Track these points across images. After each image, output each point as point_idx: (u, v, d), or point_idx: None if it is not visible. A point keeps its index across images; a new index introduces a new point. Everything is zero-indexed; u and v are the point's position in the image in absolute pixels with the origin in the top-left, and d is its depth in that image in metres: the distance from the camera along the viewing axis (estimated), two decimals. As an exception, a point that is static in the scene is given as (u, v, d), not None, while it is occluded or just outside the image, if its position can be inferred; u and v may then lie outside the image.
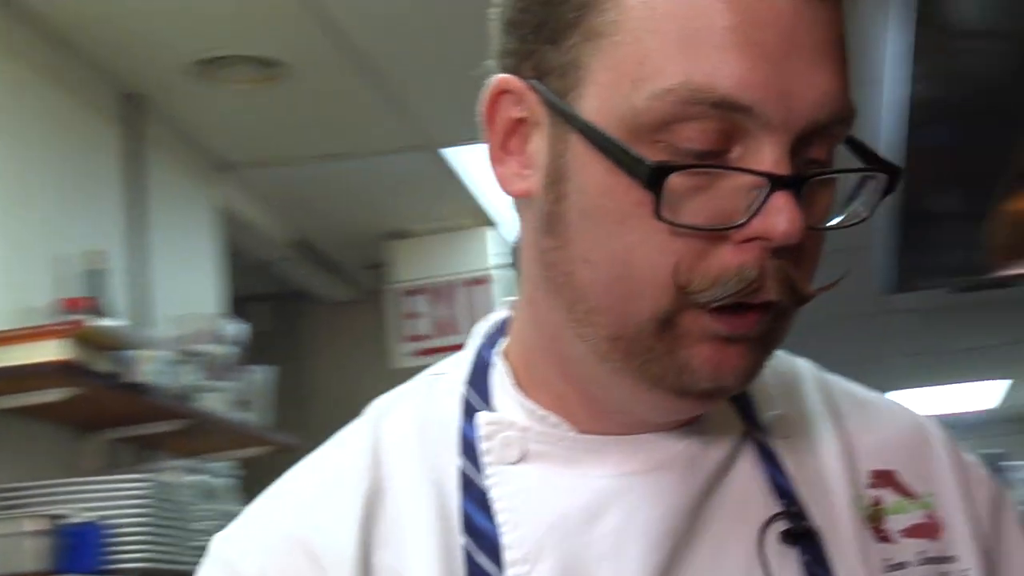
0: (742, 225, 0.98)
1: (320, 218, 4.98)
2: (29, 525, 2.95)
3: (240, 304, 4.31)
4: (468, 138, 4.22)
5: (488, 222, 4.98)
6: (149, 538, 3.23)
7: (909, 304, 6.59)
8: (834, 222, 1.07)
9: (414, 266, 5.11)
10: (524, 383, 1.15)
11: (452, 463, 1.13)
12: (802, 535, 1.14)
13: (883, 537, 1.17)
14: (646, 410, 1.10)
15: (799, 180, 0.99)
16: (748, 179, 0.98)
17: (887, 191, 1.05)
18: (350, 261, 5.36)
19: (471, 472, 1.12)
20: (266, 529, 1.15)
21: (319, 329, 5.60)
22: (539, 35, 1.07)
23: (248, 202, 4.70)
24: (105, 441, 3.58)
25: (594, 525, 1.10)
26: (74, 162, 3.63)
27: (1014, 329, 7.42)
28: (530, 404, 1.14)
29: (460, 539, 1.08)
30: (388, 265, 5.17)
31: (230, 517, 2.65)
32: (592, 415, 1.12)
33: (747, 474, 1.17)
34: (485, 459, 1.13)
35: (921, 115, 2.46)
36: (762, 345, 1.05)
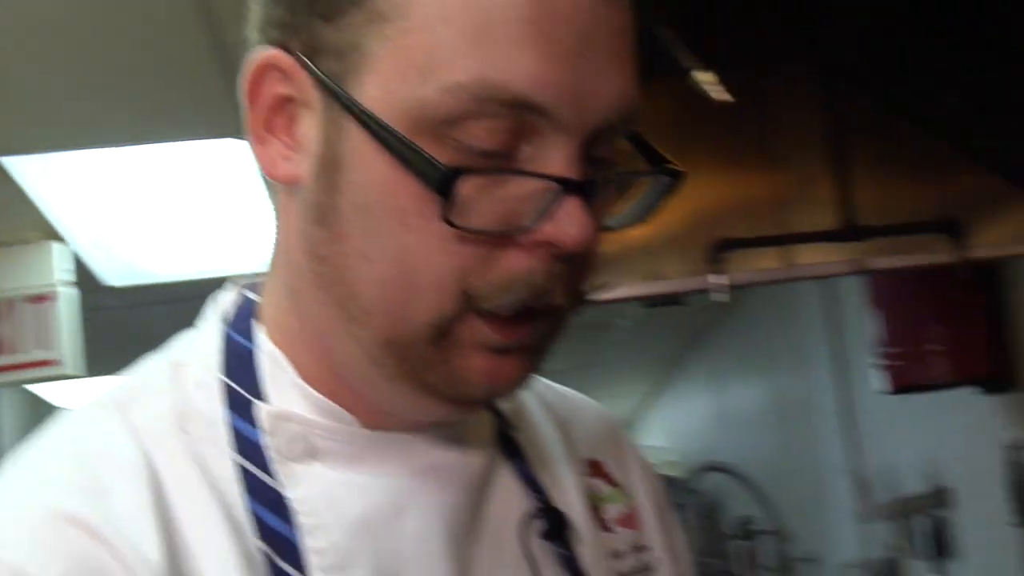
0: (531, 229, 0.94)
1: None
2: None
3: None
4: (31, 147, 4.10)
5: (54, 236, 4.82)
6: None
7: None
8: (617, 222, 1.03)
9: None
10: (302, 374, 1.06)
11: (226, 462, 1.02)
12: (556, 530, 1.13)
13: (604, 527, 1.19)
14: (418, 413, 1.04)
15: (590, 184, 0.95)
16: (538, 183, 0.94)
17: (669, 191, 1.02)
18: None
19: (255, 472, 1.03)
20: (32, 513, 0.97)
21: None
22: (312, 8, 0.99)
23: None
24: None
25: (397, 527, 1.04)
26: None
27: (575, 349, 7.62)
28: (317, 396, 1.05)
29: (257, 544, 0.99)
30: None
31: None
32: (368, 411, 1.05)
33: (506, 471, 1.15)
34: (271, 457, 1.03)
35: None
36: (537, 352, 1.01)
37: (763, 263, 2.53)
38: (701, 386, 8.05)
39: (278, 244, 1.08)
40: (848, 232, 2.48)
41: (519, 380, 1.01)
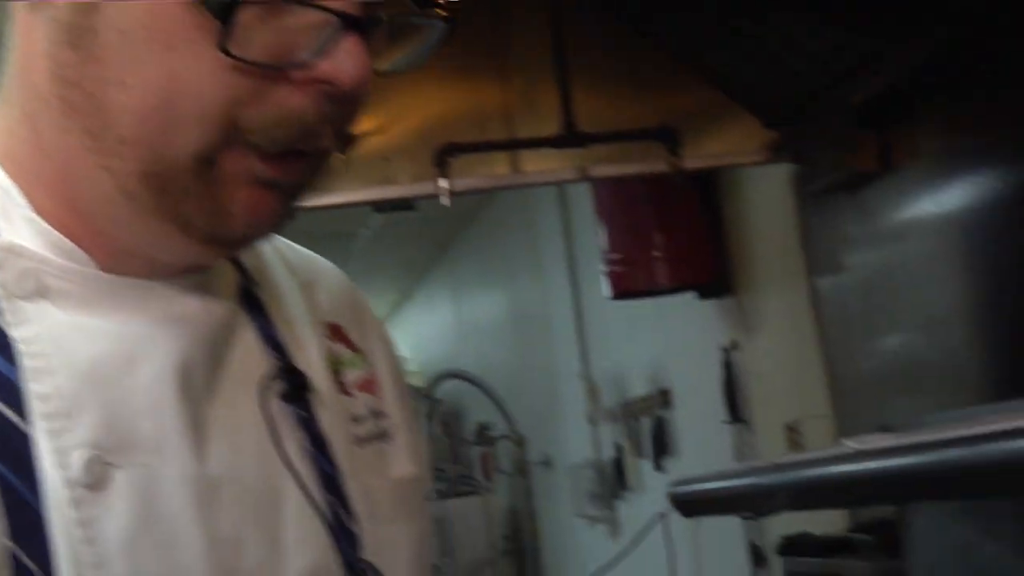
0: (308, 64, 0.91)
1: None
2: None
3: None
4: None
5: None
6: None
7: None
8: (391, 67, 0.99)
9: None
10: (36, 208, 0.99)
11: None
12: (297, 391, 1.09)
13: (344, 390, 1.16)
14: (168, 254, 1.00)
15: (370, 22, 0.92)
16: (317, 16, 0.90)
17: (442, 40, 0.98)
18: None
19: None
20: None
21: None
22: None
23: None
24: None
25: (130, 375, 0.98)
26: None
27: (329, 258, 7.66)
28: (53, 232, 0.98)
29: None
30: None
31: None
32: (109, 253, 0.99)
33: (248, 328, 1.10)
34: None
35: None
36: (296, 193, 0.98)
37: (490, 170, 2.55)
38: (444, 297, 8.04)
39: (15, 67, 0.99)
40: (570, 139, 2.49)
41: (279, 219, 0.99)
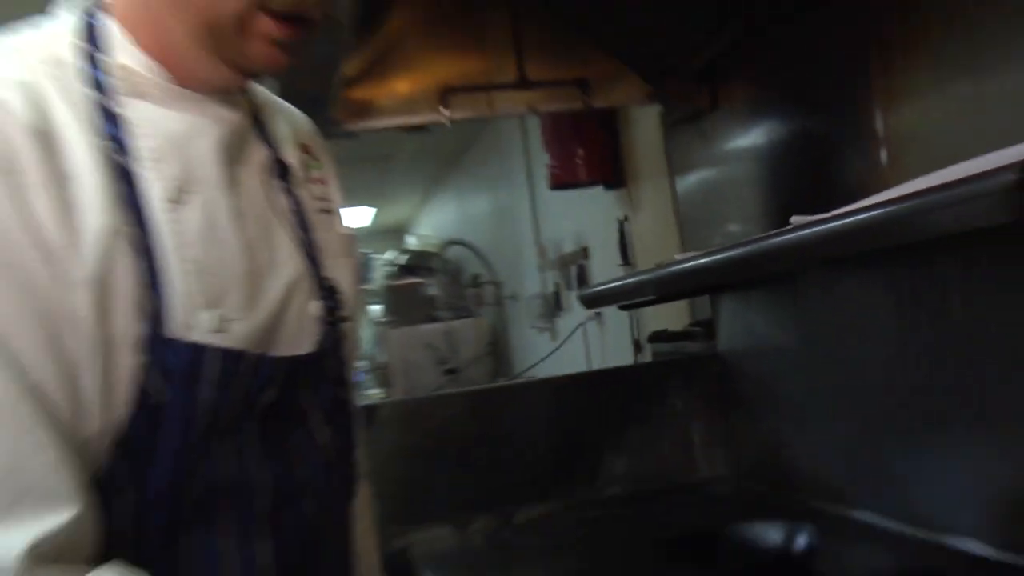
0: None
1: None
2: None
3: None
4: None
5: None
6: None
7: None
8: None
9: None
10: (138, 45, 1.03)
11: (82, 94, 0.97)
12: (284, 172, 1.15)
13: (310, 179, 1.20)
14: (214, 78, 1.03)
15: None
16: None
17: None
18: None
19: (104, 101, 0.98)
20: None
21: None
22: None
23: None
24: None
25: (192, 144, 1.03)
26: None
27: (370, 173, 7.36)
28: (147, 59, 1.02)
29: (103, 142, 0.96)
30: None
31: None
32: (182, 76, 1.03)
33: (255, 136, 1.15)
34: (112, 92, 0.99)
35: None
36: (295, 49, 1.03)
37: (474, 105, 2.47)
38: (452, 195, 7.85)
39: None
40: (522, 84, 2.45)
41: (284, 64, 1.03)
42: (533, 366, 4.69)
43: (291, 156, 1.18)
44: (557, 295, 4.67)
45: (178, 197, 0.99)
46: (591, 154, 3.38)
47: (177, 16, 0.98)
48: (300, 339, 1.06)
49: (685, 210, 2.68)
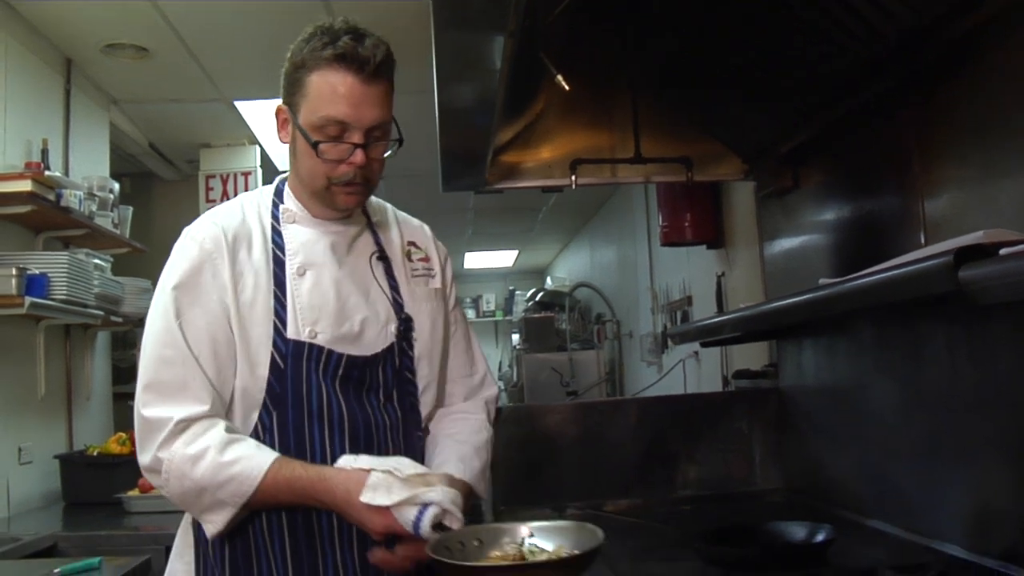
0: (349, 160, 1.43)
1: (163, 132, 4.74)
2: (11, 272, 2.98)
3: (115, 175, 4.16)
4: (251, 95, 4.22)
5: (255, 141, 4.82)
6: (68, 283, 3.24)
7: (468, 204, 6.62)
8: (386, 154, 1.48)
9: (214, 162, 4.85)
10: (295, 196, 1.56)
11: (268, 223, 1.53)
12: (384, 258, 1.57)
13: (410, 259, 1.61)
14: (326, 214, 1.54)
15: (365, 145, 1.42)
16: (348, 145, 1.43)
17: (398, 147, 1.47)
18: (178, 158, 5.06)
19: (276, 225, 1.53)
20: (203, 224, 1.50)
21: (158, 193, 5.30)
22: (288, 90, 1.46)
23: (126, 122, 4.49)
24: (47, 237, 3.51)
25: (315, 245, 1.52)
26: (37, 93, 3.53)
27: (518, 222, 7.56)
28: (296, 202, 1.56)
29: (272, 249, 1.50)
30: (199, 161, 4.88)
31: (110, 280, 2.70)
32: (314, 211, 1.54)
33: (367, 237, 1.59)
34: (281, 220, 1.54)
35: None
36: (363, 195, 1.50)
37: (598, 174, 2.51)
38: (586, 244, 7.86)
39: (290, 159, 1.54)
40: (639, 160, 2.45)
41: (358, 203, 1.51)
42: (641, 391, 4.71)
43: (394, 248, 1.59)
44: (664, 335, 4.69)
45: (301, 273, 1.48)
46: (697, 218, 3.41)
47: (301, 186, 1.52)
48: (376, 344, 1.49)
49: (770, 270, 2.68)
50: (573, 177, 2.51)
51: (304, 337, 1.42)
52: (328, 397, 1.41)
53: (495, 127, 2.19)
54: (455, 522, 1.24)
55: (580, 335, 6.32)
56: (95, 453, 3.45)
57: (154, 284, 1.60)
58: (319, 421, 1.40)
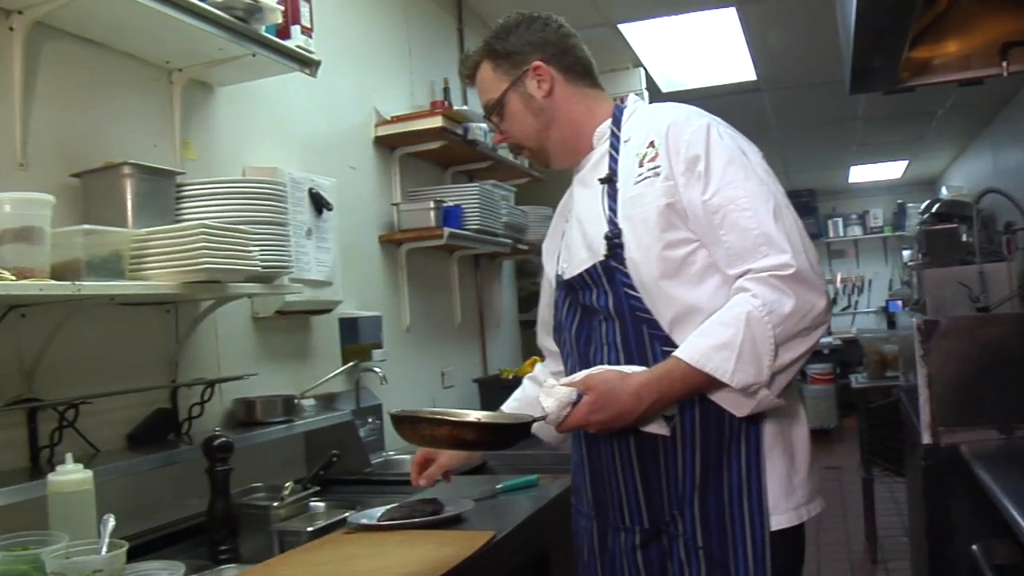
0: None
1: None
2: (429, 205, 3.08)
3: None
4: (634, 16, 4.14)
5: (639, 64, 4.71)
6: (480, 213, 3.32)
7: (857, 112, 6.24)
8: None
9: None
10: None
11: None
12: (612, 181, 1.48)
13: (640, 163, 1.45)
14: (561, 163, 1.61)
15: (487, 119, 1.62)
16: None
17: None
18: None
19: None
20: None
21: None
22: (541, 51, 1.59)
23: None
24: (454, 172, 3.62)
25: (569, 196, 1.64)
26: (435, 35, 3.63)
27: (910, 128, 7.01)
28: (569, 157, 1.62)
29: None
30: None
31: (515, 209, 3.26)
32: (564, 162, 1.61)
33: (605, 162, 1.52)
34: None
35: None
36: (535, 157, 1.61)
37: None
38: (987, 150, 7.11)
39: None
40: None
41: (537, 164, 1.62)
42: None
43: (627, 165, 1.48)
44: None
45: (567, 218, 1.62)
46: None
47: (549, 142, 1.59)
48: (586, 262, 1.50)
49: None
50: (1004, 63, 2.20)
51: (559, 272, 1.66)
52: (578, 321, 1.62)
53: (908, 21, 2.00)
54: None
55: (987, 247, 5.63)
56: (510, 377, 3.58)
57: (554, 211, 1.71)
58: (569, 349, 1.65)
